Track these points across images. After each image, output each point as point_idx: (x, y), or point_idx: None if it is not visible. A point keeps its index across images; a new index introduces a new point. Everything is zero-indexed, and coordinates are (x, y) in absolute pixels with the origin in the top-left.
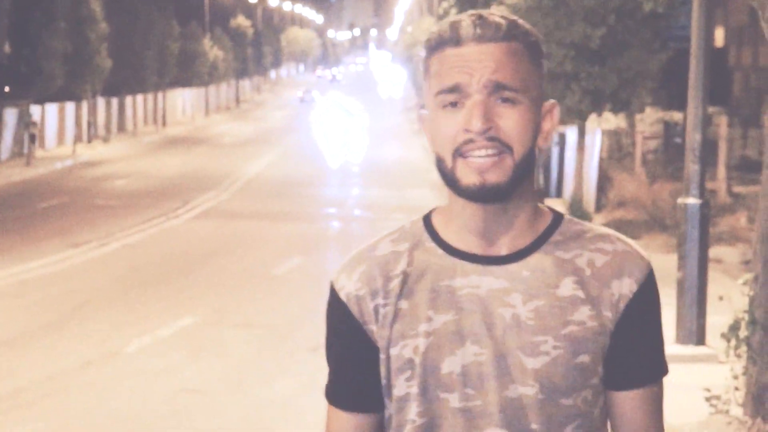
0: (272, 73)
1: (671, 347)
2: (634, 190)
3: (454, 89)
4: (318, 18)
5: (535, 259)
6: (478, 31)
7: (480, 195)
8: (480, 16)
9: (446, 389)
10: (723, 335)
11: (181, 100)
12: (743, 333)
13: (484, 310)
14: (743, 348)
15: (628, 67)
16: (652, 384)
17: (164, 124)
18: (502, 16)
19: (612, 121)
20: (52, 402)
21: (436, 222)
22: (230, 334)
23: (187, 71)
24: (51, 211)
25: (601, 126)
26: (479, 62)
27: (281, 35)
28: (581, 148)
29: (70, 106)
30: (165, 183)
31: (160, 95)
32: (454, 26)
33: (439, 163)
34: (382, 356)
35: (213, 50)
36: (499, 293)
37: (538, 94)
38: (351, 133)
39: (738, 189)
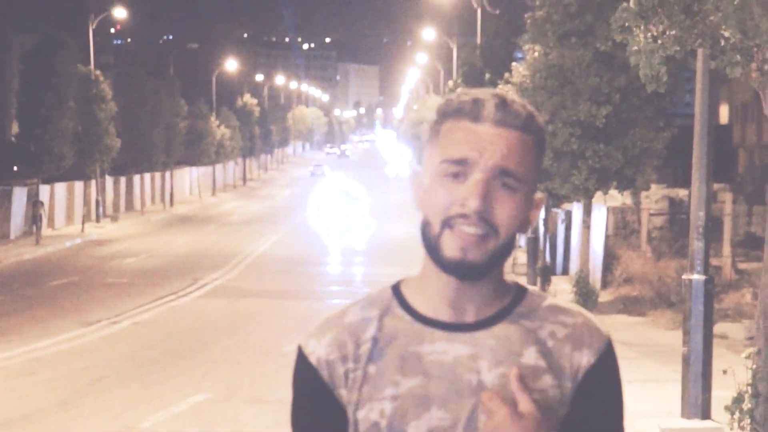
0: (279, 151)
1: (678, 421)
2: (640, 266)
3: (461, 162)
4: (324, 96)
5: (501, 328)
6: (500, 115)
7: (458, 270)
8: (504, 101)
9: None
10: (727, 408)
11: (189, 179)
12: (747, 405)
13: (450, 375)
14: (747, 420)
15: (633, 145)
16: None
17: (172, 202)
18: (524, 105)
19: (618, 198)
20: None
21: (405, 290)
22: (242, 409)
23: (195, 150)
24: (62, 289)
25: (606, 203)
26: (492, 144)
27: (288, 114)
28: (587, 226)
29: (78, 185)
30: (174, 261)
31: (167, 174)
32: (478, 102)
33: (425, 227)
34: (351, 420)
35: (220, 129)
36: (465, 359)
37: (534, 186)
38: (353, 218)
39: (743, 265)
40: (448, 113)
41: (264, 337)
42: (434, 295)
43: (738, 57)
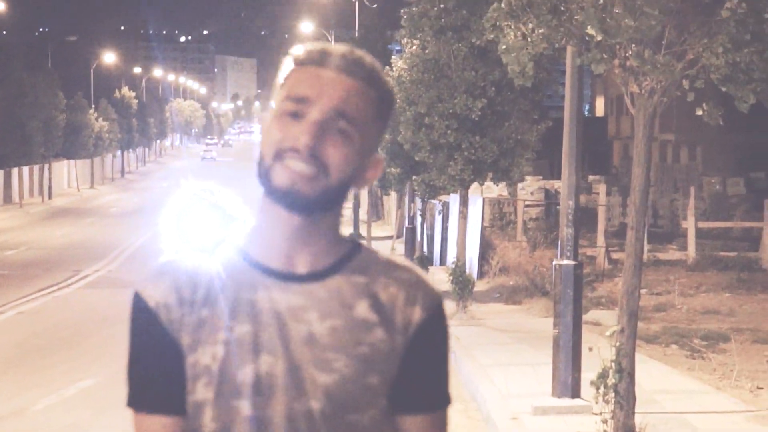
0: (157, 144)
1: (549, 400)
2: (516, 256)
3: (301, 100)
4: (202, 89)
5: (334, 281)
6: (344, 63)
7: (287, 198)
8: (351, 52)
9: (239, 397)
10: (592, 383)
11: (67, 171)
12: (611, 381)
13: (281, 324)
14: (611, 394)
15: (508, 138)
16: (435, 412)
17: (51, 195)
18: (370, 60)
19: (494, 189)
20: None
21: (242, 238)
22: None
23: (73, 142)
24: None
25: (483, 194)
26: (332, 87)
27: (166, 106)
28: (464, 217)
29: None
30: (54, 253)
31: (46, 166)
32: (325, 51)
33: (260, 161)
34: (185, 362)
35: (98, 121)
36: (296, 310)
37: (372, 143)
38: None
39: (617, 255)
40: (297, 62)
41: None
42: (270, 242)
43: (602, 54)
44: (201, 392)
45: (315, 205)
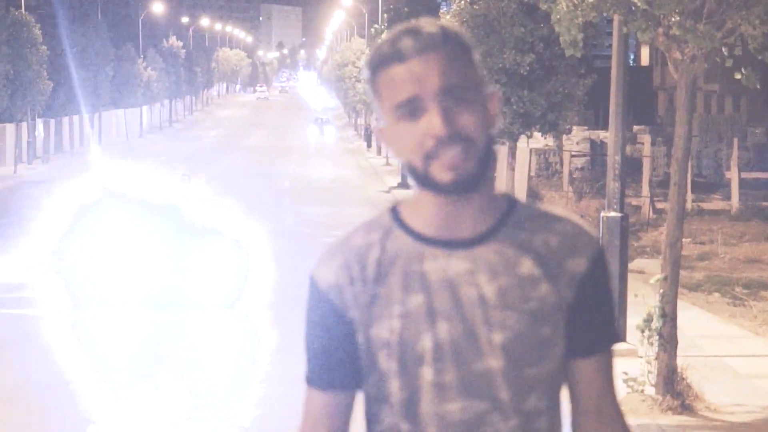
0: (204, 93)
1: None
2: (563, 206)
3: (410, 102)
4: (248, 38)
5: (497, 242)
6: (417, 44)
7: (455, 188)
8: (415, 30)
9: (421, 364)
10: (638, 326)
11: (116, 121)
12: (655, 325)
13: (452, 290)
14: (655, 337)
15: (556, 92)
16: (607, 350)
17: (100, 144)
18: (432, 24)
19: (540, 140)
20: None
21: (403, 212)
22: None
23: (122, 92)
24: (5, 228)
25: (529, 145)
26: (426, 71)
27: (212, 55)
28: (512, 168)
29: (10, 128)
30: None
31: (96, 116)
32: (394, 43)
33: (411, 169)
34: (362, 338)
35: (147, 71)
36: (465, 274)
37: (480, 85)
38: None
39: (661, 205)
40: (376, 66)
41: None
42: (430, 214)
43: (647, 23)
44: (384, 364)
45: (478, 179)
